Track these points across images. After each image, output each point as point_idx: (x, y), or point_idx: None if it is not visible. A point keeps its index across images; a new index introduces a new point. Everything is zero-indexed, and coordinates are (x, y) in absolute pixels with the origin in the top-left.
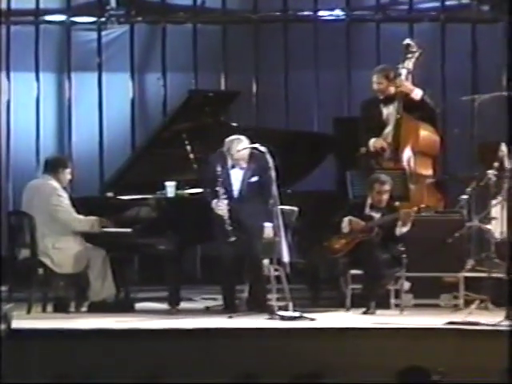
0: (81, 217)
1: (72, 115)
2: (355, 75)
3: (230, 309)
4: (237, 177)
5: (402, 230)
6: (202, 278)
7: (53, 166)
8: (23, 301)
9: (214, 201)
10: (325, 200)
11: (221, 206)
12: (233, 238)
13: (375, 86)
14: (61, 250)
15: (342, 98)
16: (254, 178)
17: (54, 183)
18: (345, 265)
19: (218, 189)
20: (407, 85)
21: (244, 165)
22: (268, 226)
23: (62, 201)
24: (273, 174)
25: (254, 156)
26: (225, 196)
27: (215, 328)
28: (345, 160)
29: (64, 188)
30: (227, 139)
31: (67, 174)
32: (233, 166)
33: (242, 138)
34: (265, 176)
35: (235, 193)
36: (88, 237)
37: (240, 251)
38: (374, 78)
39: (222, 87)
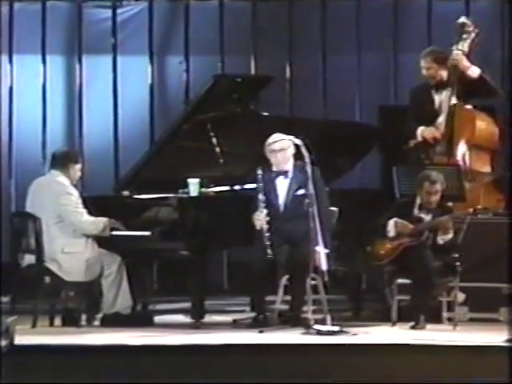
0: (91, 218)
1: (83, 104)
2: (403, 58)
3: (260, 322)
4: (282, 187)
5: (445, 237)
6: (230, 287)
7: (61, 161)
8: (28, 313)
9: (256, 212)
10: (368, 199)
11: (258, 218)
12: (270, 255)
13: (424, 72)
14: (70, 256)
15: (388, 84)
16: (301, 191)
17: (63, 180)
18: (390, 273)
19: (258, 197)
20: (463, 61)
21: (286, 168)
22: (319, 250)
23: (73, 200)
24: (309, 169)
25: (300, 165)
26: (264, 205)
27: (244, 344)
28: (391, 154)
29: (74, 186)
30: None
31: (77, 170)
32: (277, 175)
33: (282, 135)
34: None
35: (280, 205)
36: (101, 241)
37: (275, 259)
38: (422, 63)
39: (252, 72)
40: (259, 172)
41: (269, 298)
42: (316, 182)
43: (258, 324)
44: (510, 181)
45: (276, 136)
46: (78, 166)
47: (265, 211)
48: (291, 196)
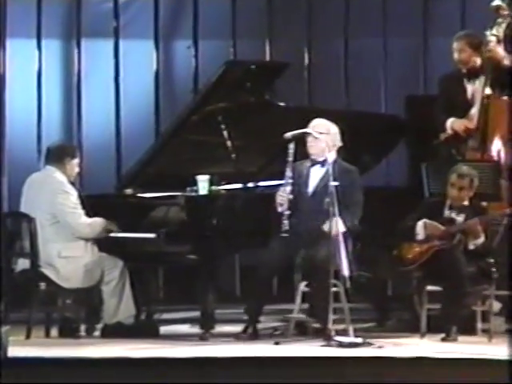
0: (88, 220)
1: (81, 93)
2: (433, 44)
3: (250, 333)
4: (315, 176)
5: (476, 242)
6: (242, 294)
7: (57, 156)
8: (21, 323)
9: (281, 188)
10: (394, 198)
11: (281, 194)
12: (285, 234)
13: (456, 55)
14: (68, 260)
15: (417, 72)
16: (334, 183)
17: (60, 177)
18: (419, 279)
19: (286, 174)
20: (497, 50)
21: (322, 158)
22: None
23: (70, 199)
24: (330, 166)
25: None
26: (291, 181)
27: (258, 357)
28: (419, 149)
29: (72, 183)
30: None
31: (75, 166)
32: (313, 164)
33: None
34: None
35: (308, 191)
36: (102, 244)
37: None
38: (455, 45)
39: (267, 57)
40: (291, 150)
41: (285, 306)
42: (352, 185)
43: (248, 336)
44: None
45: (321, 121)
46: (76, 162)
47: (289, 188)
48: (320, 188)
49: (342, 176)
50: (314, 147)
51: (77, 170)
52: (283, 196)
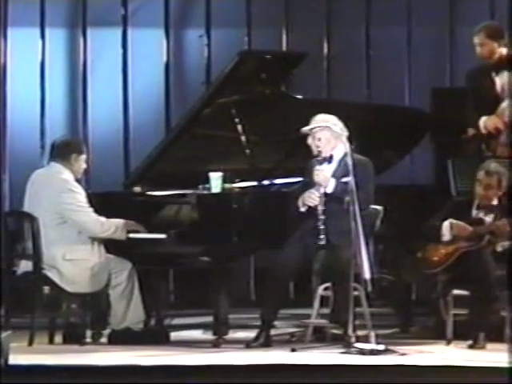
0: (101, 219)
1: (87, 85)
2: (461, 33)
3: (263, 340)
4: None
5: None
6: (257, 298)
7: (63, 152)
8: (24, 328)
9: (310, 190)
10: (419, 197)
11: (312, 196)
12: (323, 242)
13: (478, 50)
14: (74, 263)
15: (443, 63)
16: (346, 178)
17: (66, 174)
18: (445, 283)
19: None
20: None
21: (329, 154)
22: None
23: (77, 197)
24: (349, 161)
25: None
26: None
27: (273, 365)
28: (446, 144)
29: (77, 181)
30: None
31: (82, 162)
32: (321, 162)
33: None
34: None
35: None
36: (109, 245)
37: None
38: (475, 39)
39: (284, 47)
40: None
41: (303, 311)
42: (365, 180)
43: (261, 343)
44: None
45: (318, 117)
46: (83, 158)
47: (322, 190)
48: (333, 188)
49: (355, 169)
50: (317, 145)
51: (84, 166)
52: (314, 199)
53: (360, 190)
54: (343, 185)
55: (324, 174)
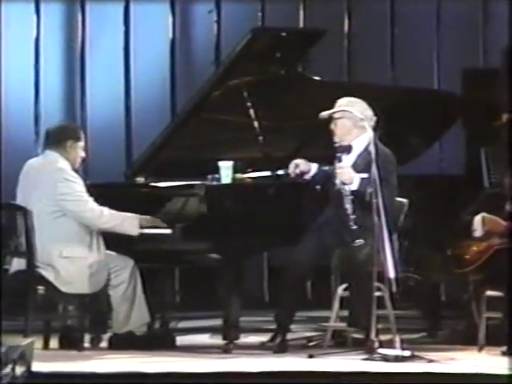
0: (104, 208)
1: (86, 64)
2: (495, 8)
3: (279, 344)
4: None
5: None
6: (271, 299)
7: (58, 139)
8: (16, 332)
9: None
10: (448, 189)
11: (347, 170)
12: (360, 241)
13: None
14: (71, 261)
15: (475, 42)
16: (364, 175)
17: (61, 163)
18: (477, 283)
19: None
20: None
21: (348, 143)
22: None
23: (74, 187)
24: (373, 149)
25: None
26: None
27: (289, 372)
28: (478, 131)
29: (75, 170)
30: None
31: (79, 150)
32: (340, 151)
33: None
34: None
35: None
36: (109, 241)
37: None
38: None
39: (300, 24)
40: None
41: (321, 313)
42: (387, 173)
43: (277, 347)
44: None
45: (342, 100)
46: (80, 145)
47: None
48: (357, 185)
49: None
50: (335, 132)
51: (82, 155)
52: (349, 170)
53: (383, 183)
54: (365, 180)
55: (348, 173)
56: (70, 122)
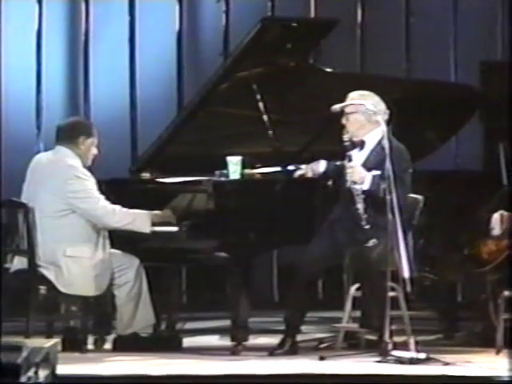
0: (116, 207)
1: (89, 57)
2: None
3: (288, 347)
4: (355, 162)
5: None
6: (281, 299)
7: (69, 135)
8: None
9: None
10: (465, 185)
11: (358, 170)
12: (373, 241)
13: None
14: (75, 260)
15: (494, 33)
16: (377, 172)
17: (72, 160)
18: (495, 283)
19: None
20: None
21: (360, 138)
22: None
23: (86, 184)
24: (387, 144)
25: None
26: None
27: (300, 374)
28: (496, 125)
29: (88, 168)
30: None
31: (91, 146)
32: (352, 147)
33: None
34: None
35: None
36: (114, 239)
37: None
38: None
39: (311, 14)
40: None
41: (333, 314)
42: (401, 172)
43: (286, 350)
44: None
45: (354, 94)
46: (92, 141)
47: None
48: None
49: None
50: (347, 127)
51: (94, 151)
52: (361, 169)
53: (396, 181)
54: (377, 177)
55: (359, 172)
56: (73, 115)
